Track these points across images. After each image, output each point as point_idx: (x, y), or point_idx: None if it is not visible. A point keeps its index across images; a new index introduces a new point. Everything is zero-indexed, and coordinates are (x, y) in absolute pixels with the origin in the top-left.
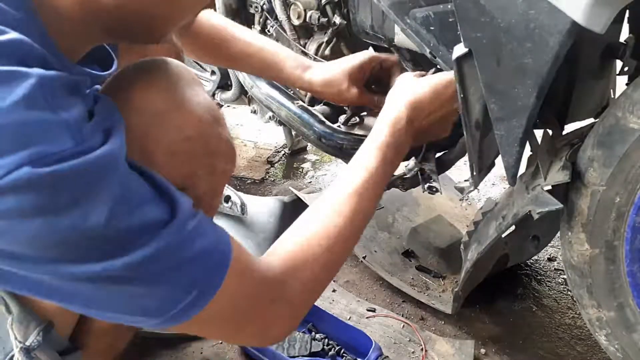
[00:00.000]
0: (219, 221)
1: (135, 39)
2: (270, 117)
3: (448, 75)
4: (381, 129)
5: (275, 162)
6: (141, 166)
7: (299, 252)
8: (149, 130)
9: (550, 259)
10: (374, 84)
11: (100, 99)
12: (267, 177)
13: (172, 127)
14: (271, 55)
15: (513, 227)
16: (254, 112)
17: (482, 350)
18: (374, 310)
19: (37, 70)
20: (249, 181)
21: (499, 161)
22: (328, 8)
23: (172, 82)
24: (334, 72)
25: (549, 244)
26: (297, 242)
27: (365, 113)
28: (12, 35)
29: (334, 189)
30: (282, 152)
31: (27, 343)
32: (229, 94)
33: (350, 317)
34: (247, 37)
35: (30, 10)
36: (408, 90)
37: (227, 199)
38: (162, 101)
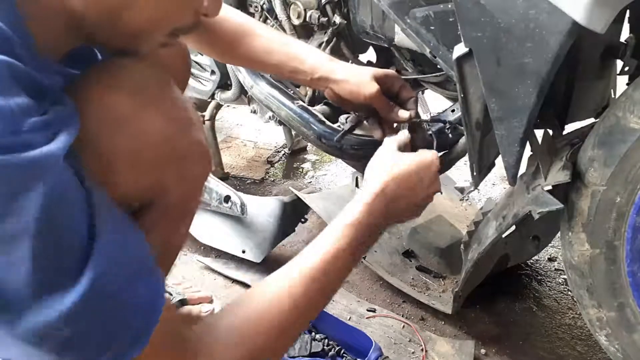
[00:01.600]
0: (219, 221)
1: (109, 47)
2: (270, 117)
3: (431, 154)
4: (355, 206)
5: (275, 162)
6: (85, 182)
7: (238, 336)
8: (110, 137)
9: (550, 259)
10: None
11: (62, 101)
12: (267, 177)
13: (134, 133)
14: (294, 48)
15: (513, 227)
16: (254, 112)
17: (482, 351)
18: (374, 311)
19: None
20: (249, 181)
21: (499, 161)
22: (328, 7)
23: (138, 85)
24: (360, 67)
25: (550, 244)
26: (239, 324)
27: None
28: None
29: (291, 267)
30: (282, 152)
31: None
32: (229, 94)
33: (350, 318)
34: (268, 33)
35: (9, 3)
36: (389, 166)
37: (227, 199)
38: (124, 105)
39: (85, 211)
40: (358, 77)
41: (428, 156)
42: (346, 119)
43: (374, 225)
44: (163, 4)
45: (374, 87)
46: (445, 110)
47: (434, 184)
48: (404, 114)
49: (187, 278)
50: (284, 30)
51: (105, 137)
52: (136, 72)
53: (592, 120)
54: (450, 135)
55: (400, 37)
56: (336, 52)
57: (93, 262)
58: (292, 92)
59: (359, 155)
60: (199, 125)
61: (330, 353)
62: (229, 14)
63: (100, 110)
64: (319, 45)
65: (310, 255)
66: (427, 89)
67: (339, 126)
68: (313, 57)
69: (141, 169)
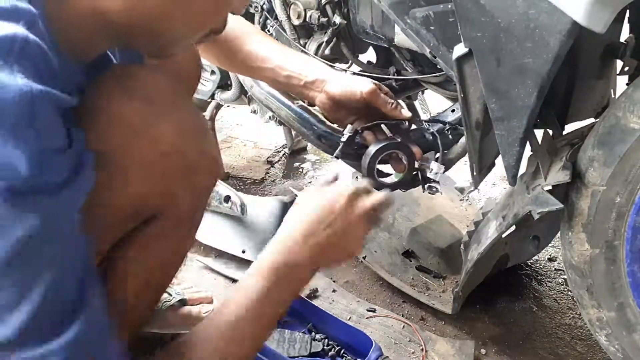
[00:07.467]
0: (220, 221)
1: (143, 51)
2: (270, 117)
3: (341, 187)
4: (269, 248)
5: (275, 162)
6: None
7: None
8: (123, 144)
9: (550, 259)
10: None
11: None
12: (267, 177)
13: (146, 142)
14: (291, 56)
15: (513, 227)
16: (254, 112)
17: (483, 351)
18: (374, 311)
19: (20, 83)
20: (249, 181)
21: (499, 161)
22: (328, 8)
23: (151, 94)
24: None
25: (550, 244)
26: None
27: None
28: (14, 29)
29: (212, 319)
30: (282, 152)
31: None
32: (229, 94)
33: (350, 317)
34: (265, 42)
35: (40, 7)
36: (301, 204)
37: (227, 199)
38: (137, 113)
39: (84, 262)
40: (353, 78)
41: (337, 188)
42: (343, 132)
43: (295, 264)
44: (204, 12)
45: (370, 84)
46: (445, 110)
47: (349, 211)
48: (406, 112)
49: (187, 278)
50: (284, 31)
51: (120, 143)
52: (150, 82)
53: (592, 120)
54: (450, 135)
55: (400, 37)
56: (336, 52)
57: (82, 316)
58: None
59: (358, 155)
60: (209, 136)
61: (330, 353)
62: (233, 25)
63: (114, 119)
64: (319, 46)
65: (226, 309)
66: (427, 89)
67: (338, 126)
68: (309, 63)
69: (153, 178)
